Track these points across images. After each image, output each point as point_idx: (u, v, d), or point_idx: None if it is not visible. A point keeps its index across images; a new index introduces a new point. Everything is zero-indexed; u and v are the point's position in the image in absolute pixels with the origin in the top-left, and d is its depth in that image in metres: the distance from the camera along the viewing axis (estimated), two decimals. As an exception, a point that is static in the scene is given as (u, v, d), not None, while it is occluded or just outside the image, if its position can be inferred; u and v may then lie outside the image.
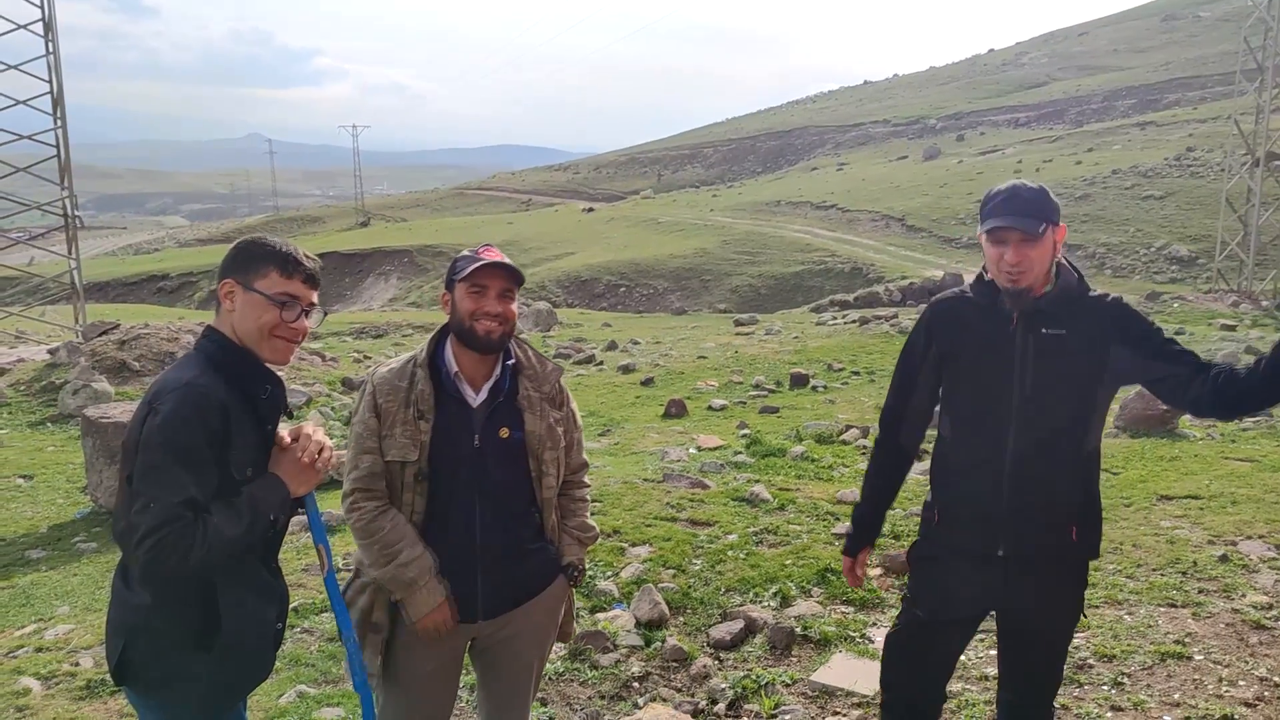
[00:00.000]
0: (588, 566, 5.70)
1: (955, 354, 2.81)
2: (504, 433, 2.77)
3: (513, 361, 2.84)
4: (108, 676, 4.58)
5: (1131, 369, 2.66)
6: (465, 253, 2.78)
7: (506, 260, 2.72)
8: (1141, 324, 2.68)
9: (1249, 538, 6.00)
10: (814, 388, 14.78)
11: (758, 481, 7.86)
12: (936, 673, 3.01)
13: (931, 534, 2.92)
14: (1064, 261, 2.75)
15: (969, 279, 2.90)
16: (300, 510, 2.54)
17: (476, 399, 2.77)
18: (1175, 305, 22.93)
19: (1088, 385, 2.68)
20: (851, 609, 5.15)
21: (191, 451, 2.16)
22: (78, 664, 4.94)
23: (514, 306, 2.76)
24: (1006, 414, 2.69)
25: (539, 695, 4.10)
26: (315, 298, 2.45)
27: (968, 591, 2.84)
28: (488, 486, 2.75)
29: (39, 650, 5.26)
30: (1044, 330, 2.66)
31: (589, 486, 3.11)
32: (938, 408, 2.94)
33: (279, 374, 2.46)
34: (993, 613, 2.96)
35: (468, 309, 2.70)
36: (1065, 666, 4.30)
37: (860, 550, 3.10)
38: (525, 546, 2.85)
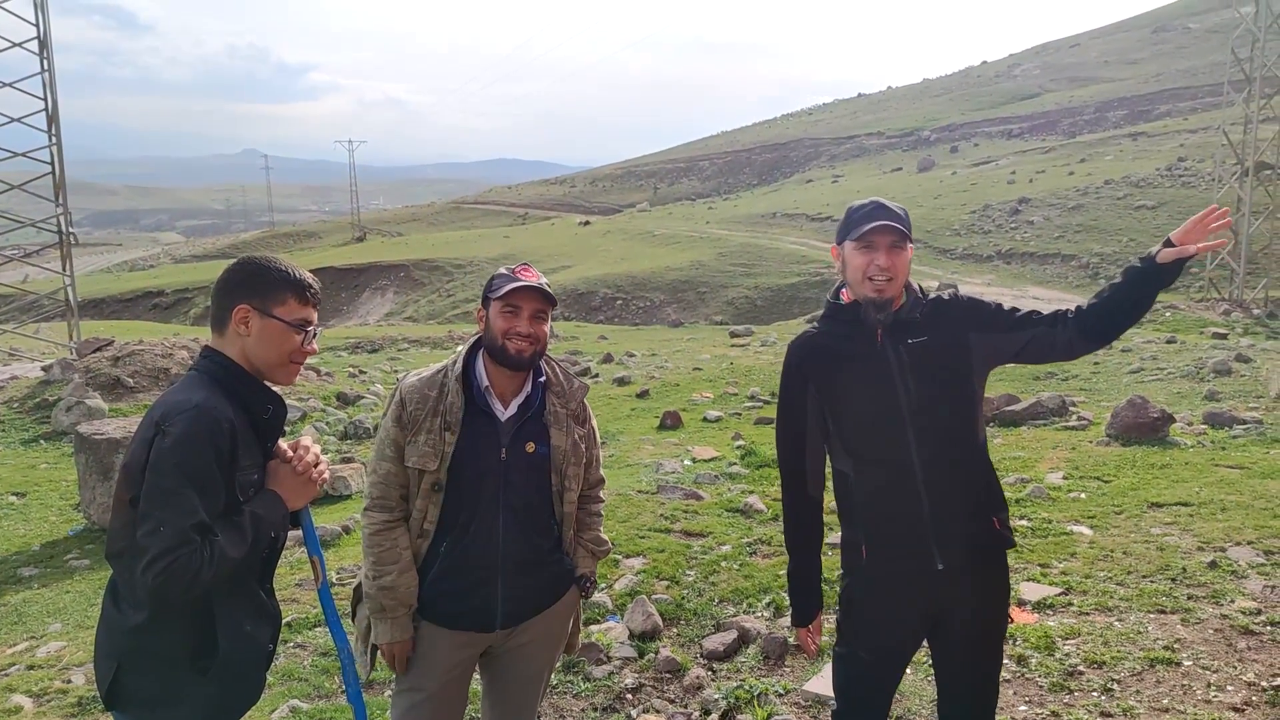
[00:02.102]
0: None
1: (833, 386, 2.78)
2: (530, 447, 2.82)
3: (543, 379, 2.90)
4: (103, 702, 4.59)
5: (995, 348, 2.76)
6: (502, 270, 2.83)
7: (540, 284, 2.77)
8: (987, 306, 2.79)
9: (1238, 544, 6.02)
10: (808, 399, 14.81)
11: (752, 492, 7.87)
12: (884, 699, 2.95)
13: (862, 569, 2.82)
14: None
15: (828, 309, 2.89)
16: (295, 524, 2.57)
17: (505, 413, 2.82)
18: (1167, 314, 22.99)
19: (964, 381, 2.74)
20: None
21: (203, 474, 2.17)
22: (69, 681, 4.94)
23: (546, 327, 2.82)
24: (901, 429, 2.69)
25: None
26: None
27: (912, 614, 2.80)
28: (512, 499, 2.80)
29: (31, 668, 5.26)
30: (909, 340, 2.71)
31: (604, 501, 3.15)
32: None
33: (278, 393, 2.48)
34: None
35: (501, 328, 2.75)
36: (1044, 678, 4.35)
37: (814, 618, 2.98)
38: (544, 558, 2.89)
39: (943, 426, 2.70)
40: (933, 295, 2.82)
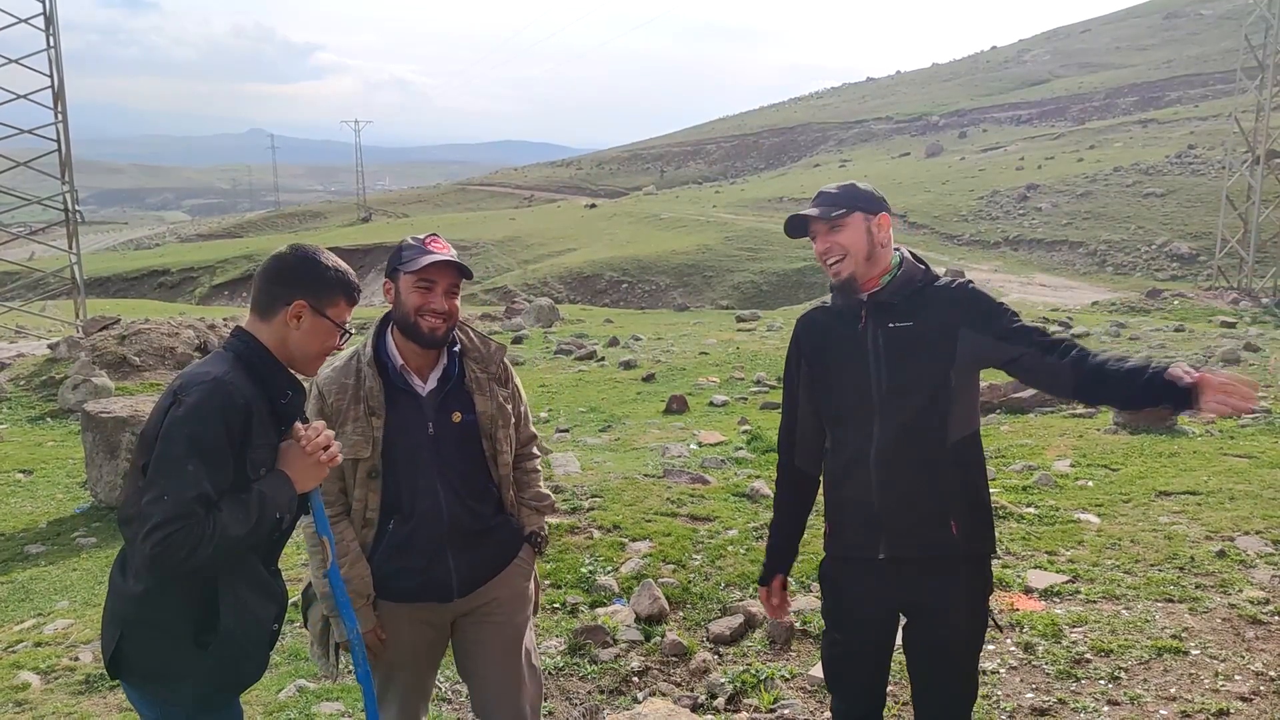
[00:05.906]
0: (586, 560, 5.72)
1: (818, 362, 2.82)
2: (456, 417, 2.82)
3: (458, 347, 2.87)
4: (106, 670, 4.60)
5: (982, 351, 2.66)
6: (410, 240, 2.77)
7: (455, 258, 2.73)
8: (987, 305, 2.69)
9: (1246, 533, 6.00)
10: (814, 384, 14.80)
11: (758, 477, 7.86)
12: (872, 681, 2.95)
13: (828, 546, 2.91)
14: (908, 255, 2.76)
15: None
16: (307, 510, 2.56)
17: (426, 388, 2.81)
18: (1175, 302, 22.93)
19: (941, 374, 2.65)
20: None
21: (211, 446, 2.18)
22: (77, 659, 4.96)
23: (458, 301, 2.78)
24: (869, 413, 2.68)
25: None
26: None
27: (864, 599, 2.80)
28: (447, 471, 2.80)
29: (38, 645, 5.28)
30: (891, 324, 2.67)
31: (539, 457, 3.15)
32: None
33: (300, 381, 2.50)
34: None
35: (414, 304, 2.71)
36: (1051, 666, 4.33)
37: (773, 578, 3.04)
38: (489, 523, 2.90)
39: (910, 418, 2.66)
40: (943, 280, 2.75)
